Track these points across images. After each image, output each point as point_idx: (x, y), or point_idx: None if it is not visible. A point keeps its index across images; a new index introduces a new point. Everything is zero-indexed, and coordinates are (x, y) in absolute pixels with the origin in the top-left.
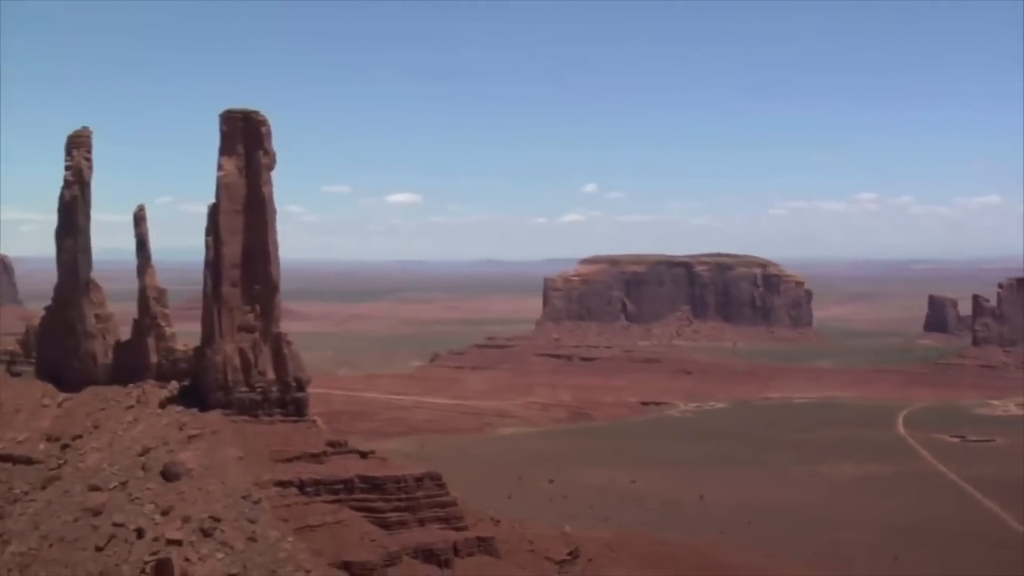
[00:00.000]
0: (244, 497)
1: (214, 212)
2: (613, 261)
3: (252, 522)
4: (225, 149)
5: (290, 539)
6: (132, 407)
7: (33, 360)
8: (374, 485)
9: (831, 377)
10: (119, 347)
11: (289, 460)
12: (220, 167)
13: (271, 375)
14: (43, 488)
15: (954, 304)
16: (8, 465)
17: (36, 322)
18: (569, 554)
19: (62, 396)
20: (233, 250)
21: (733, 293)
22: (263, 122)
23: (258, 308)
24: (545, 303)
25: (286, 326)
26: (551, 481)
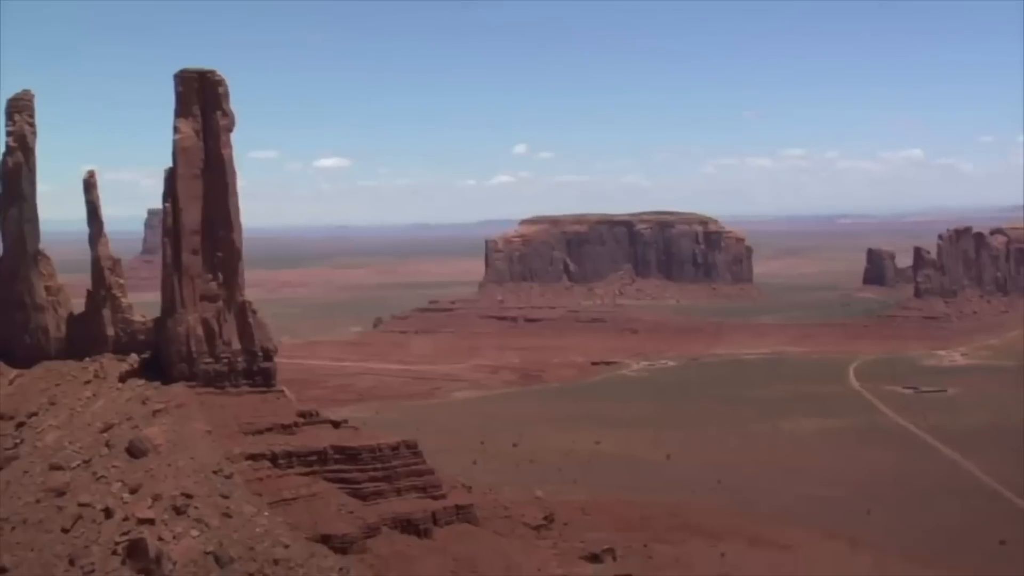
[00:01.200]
0: (215, 472)
1: (171, 177)
2: (554, 221)
3: (225, 497)
4: (181, 111)
5: (266, 514)
6: (90, 382)
7: None
8: (349, 455)
9: (776, 332)
10: (72, 320)
11: (259, 432)
12: (176, 130)
13: (236, 345)
14: (0, 469)
15: (892, 257)
16: None
17: None
18: (545, 519)
19: (13, 372)
20: (193, 216)
21: (674, 251)
22: (220, 82)
23: (221, 276)
24: (487, 265)
25: None
26: (515, 445)
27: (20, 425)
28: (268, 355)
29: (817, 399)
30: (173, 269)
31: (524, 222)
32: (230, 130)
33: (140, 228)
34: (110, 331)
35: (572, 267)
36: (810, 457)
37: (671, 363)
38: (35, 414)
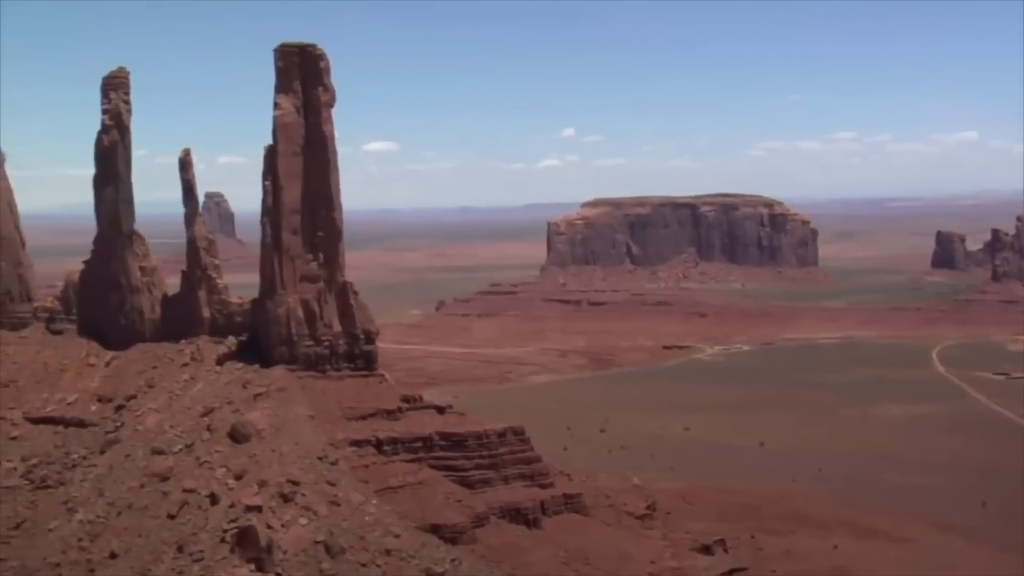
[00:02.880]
0: (320, 458)
1: (271, 155)
2: (616, 204)
3: (332, 485)
4: (281, 86)
5: (374, 502)
6: (187, 364)
7: (74, 317)
8: (455, 442)
9: (847, 316)
10: (167, 301)
11: (363, 417)
12: (277, 106)
13: (337, 327)
14: (102, 452)
15: (962, 240)
16: (60, 428)
17: (75, 277)
18: (647, 508)
19: (109, 354)
20: (293, 195)
21: (738, 234)
22: (321, 56)
23: (321, 256)
24: (549, 248)
25: None
26: (602, 431)
27: (119, 408)
28: (370, 338)
29: (903, 384)
30: (273, 249)
31: (586, 204)
32: (331, 106)
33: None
34: (206, 313)
35: (635, 250)
36: (906, 444)
37: (745, 347)
38: (134, 397)
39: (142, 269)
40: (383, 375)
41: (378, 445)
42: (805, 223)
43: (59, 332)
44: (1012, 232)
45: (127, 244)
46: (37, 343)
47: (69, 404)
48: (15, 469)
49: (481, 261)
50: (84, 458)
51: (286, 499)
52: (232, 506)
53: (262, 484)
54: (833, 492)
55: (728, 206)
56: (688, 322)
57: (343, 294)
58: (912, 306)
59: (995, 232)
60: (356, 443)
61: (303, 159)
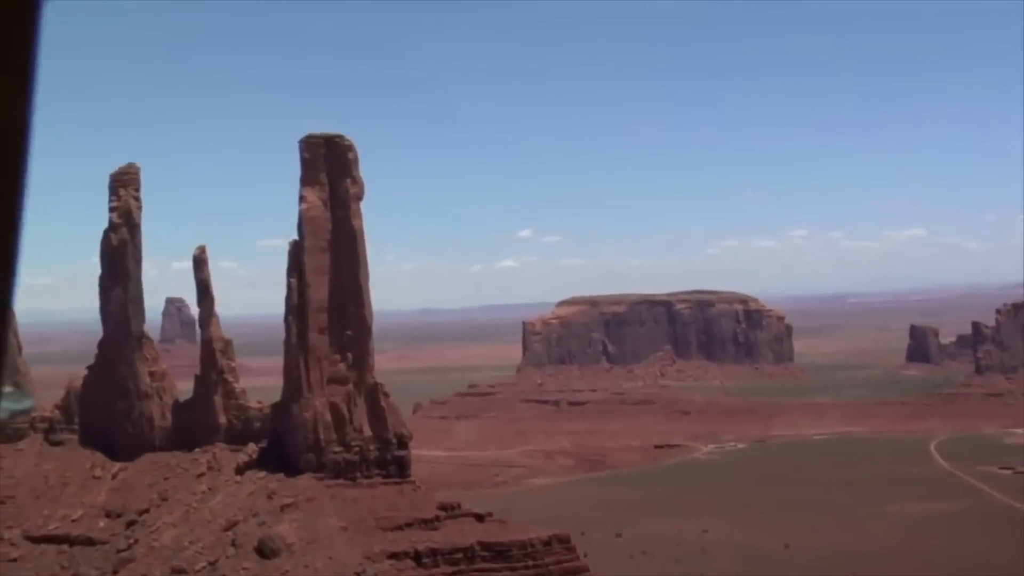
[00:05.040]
0: (358, 574)
1: (297, 250)
2: (592, 302)
3: None
4: (307, 178)
5: None
6: (203, 474)
7: (75, 427)
8: (498, 552)
9: (833, 412)
10: (179, 407)
11: (399, 528)
12: (302, 199)
13: (368, 432)
14: (115, 573)
15: (935, 333)
16: (65, 547)
17: (77, 384)
18: None
19: (116, 466)
20: (320, 292)
21: (715, 330)
22: (349, 147)
23: (350, 357)
24: (525, 348)
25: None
26: (618, 535)
27: (131, 524)
28: (403, 442)
29: (913, 481)
30: (299, 350)
31: (561, 303)
32: (360, 199)
33: (156, 318)
34: (222, 419)
35: (611, 348)
36: (936, 545)
37: (740, 445)
38: (146, 511)
39: (151, 374)
40: (413, 481)
41: (417, 557)
42: (780, 319)
43: (59, 443)
44: (992, 325)
45: (136, 347)
46: (35, 455)
47: (74, 521)
48: None
49: (448, 362)
50: None
51: None
52: None
53: None
54: None
55: (703, 303)
56: (672, 421)
57: (373, 396)
58: (897, 400)
59: (976, 325)
60: (394, 555)
61: (330, 255)
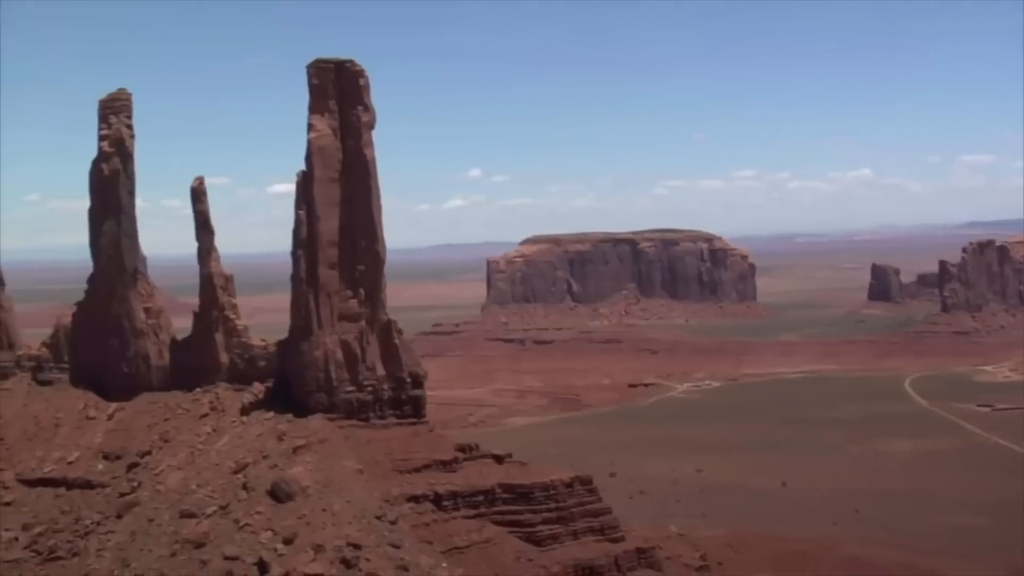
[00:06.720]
0: (378, 517)
1: (306, 181)
2: (556, 240)
3: (396, 547)
4: (316, 106)
5: (444, 565)
6: (207, 415)
7: (65, 365)
8: (520, 494)
9: (801, 350)
10: (177, 345)
11: (416, 470)
12: (311, 127)
13: (381, 370)
14: (119, 517)
15: (896, 272)
16: (62, 491)
17: (67, 320)
18: (701, 558)
19: (111, 406)
20: (330, 225)
21: (679, 269)
22: (360, 73)
23: (362, 292)
24: (489, 286)
25: None
26: (612, 475)
27: (132, 466)
28: (417, 381)
29: (895, 419)
30: (308, 285)
31: (525, 242)
32: (372, 127)
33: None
34: (223, 357)
35: (575, 287)
36: (930, 481)
37: (715, 384)
38: (148, 453)
39: (147, 311)
40: (429, 422)
41: (437, 500)
42: (744, 257)
43: (48, 383)
44: (957, 263)
45: (130, 283)
46: (24, 395)
47: (70, 463)
48: (16, 540)
49: (404, 302)
50: (99, 524)
51: (348, 565)
52: (286, 575)
53: (318, 549)
54: (881, 534)
55: (668, 241)
56: (640, 359)
57: (386, 334)
58: (864, 339)
59: (942, 264)
60: (413, 498)
61: (341, 186)
